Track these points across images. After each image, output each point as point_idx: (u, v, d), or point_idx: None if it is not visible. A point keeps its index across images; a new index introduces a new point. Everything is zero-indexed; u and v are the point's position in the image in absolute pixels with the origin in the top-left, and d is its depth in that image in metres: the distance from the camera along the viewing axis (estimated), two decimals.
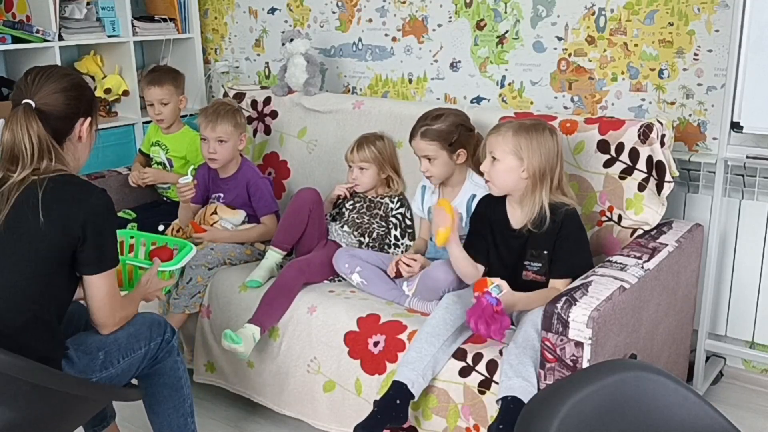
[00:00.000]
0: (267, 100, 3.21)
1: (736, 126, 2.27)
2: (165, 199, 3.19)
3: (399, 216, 2.68)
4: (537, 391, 1.83)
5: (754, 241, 2.51)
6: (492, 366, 1.97)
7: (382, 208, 2.68)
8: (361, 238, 2.63)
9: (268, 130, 3.19)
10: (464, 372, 2.00)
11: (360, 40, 3.31)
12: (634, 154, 2.32)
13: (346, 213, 2.71)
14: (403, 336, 2.12)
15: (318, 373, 2.27)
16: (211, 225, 2.70)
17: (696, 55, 2.53)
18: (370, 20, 3.25)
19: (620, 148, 2.34)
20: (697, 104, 2.57)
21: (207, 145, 2.72)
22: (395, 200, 2.69)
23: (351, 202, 2.72)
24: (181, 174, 2.90)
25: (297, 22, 3.50)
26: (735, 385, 2.65)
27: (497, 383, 1.92)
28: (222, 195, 2.81)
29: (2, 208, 1.67)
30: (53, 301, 1.73)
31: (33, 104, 1.72)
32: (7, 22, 3.22)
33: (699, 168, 2.55)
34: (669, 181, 2.30)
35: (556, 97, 2.84)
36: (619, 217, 2.34)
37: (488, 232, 2.24)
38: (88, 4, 3.35)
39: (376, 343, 2.15)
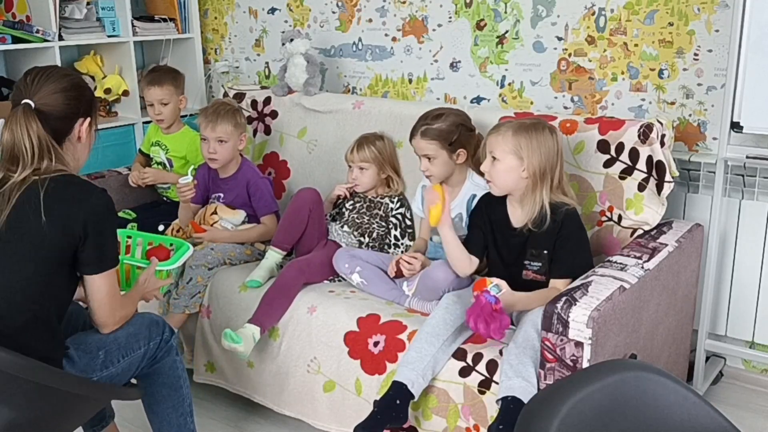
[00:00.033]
0: (267, 100, 3.21)
1: (736, 126, 2.27)
2: (165, 199, 3.19)
3: (399, 216, 2.68)
4: (537, 391, 1.83)
5: (754, 241, 2.51)
6: (492, 366, 1.96)
7: (382, 208, 2.68)
8: (361, 238, 2.63)
9: (268, 130, 3.19)
10: (464, 372, 2.00)
11: (360, 40, 3.31)
12: (634, 154, 2.32)
13: (346, 213, 2.71)
14: (403, 336, 2.12)
15: (318, 373, 2.27)
16: (211, 225, 2.70)
17: (696, 55, 2.53)
18: (370, 20, 3.25)
19: (620, 148, 2.34)
20: (697, 104, 2.57)
21: (207, 145, 2.72)
22: (395, 200, 2.69)
23: (351, 202, 2.72)
24: (181, 174, 2.90)
25: (297, 22, 3.50)
26: (735, 385, 2.64)
27: (497, 383, 1.92)
28: (222, 195, 2.81)
29: (3, 208, 1.67)
30: (53, 301, 1.74)
31: (32, 104, 1.72)
32: (7, 22, 3.22)
33: (699, 168, 2.55)
34: (669, 181, 2.30)
35: (556, 97, 2.84)
36: (619, 217, 2.34)
37: (488, 231, 2.24)
38: (88, 4, 3.35)
39: (376, 343, 2.15)
